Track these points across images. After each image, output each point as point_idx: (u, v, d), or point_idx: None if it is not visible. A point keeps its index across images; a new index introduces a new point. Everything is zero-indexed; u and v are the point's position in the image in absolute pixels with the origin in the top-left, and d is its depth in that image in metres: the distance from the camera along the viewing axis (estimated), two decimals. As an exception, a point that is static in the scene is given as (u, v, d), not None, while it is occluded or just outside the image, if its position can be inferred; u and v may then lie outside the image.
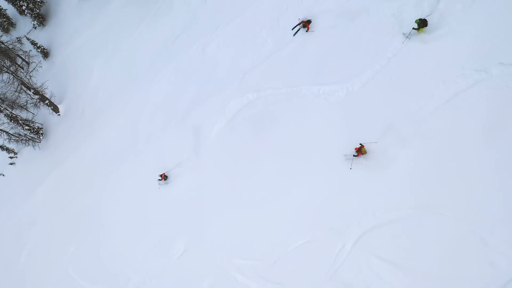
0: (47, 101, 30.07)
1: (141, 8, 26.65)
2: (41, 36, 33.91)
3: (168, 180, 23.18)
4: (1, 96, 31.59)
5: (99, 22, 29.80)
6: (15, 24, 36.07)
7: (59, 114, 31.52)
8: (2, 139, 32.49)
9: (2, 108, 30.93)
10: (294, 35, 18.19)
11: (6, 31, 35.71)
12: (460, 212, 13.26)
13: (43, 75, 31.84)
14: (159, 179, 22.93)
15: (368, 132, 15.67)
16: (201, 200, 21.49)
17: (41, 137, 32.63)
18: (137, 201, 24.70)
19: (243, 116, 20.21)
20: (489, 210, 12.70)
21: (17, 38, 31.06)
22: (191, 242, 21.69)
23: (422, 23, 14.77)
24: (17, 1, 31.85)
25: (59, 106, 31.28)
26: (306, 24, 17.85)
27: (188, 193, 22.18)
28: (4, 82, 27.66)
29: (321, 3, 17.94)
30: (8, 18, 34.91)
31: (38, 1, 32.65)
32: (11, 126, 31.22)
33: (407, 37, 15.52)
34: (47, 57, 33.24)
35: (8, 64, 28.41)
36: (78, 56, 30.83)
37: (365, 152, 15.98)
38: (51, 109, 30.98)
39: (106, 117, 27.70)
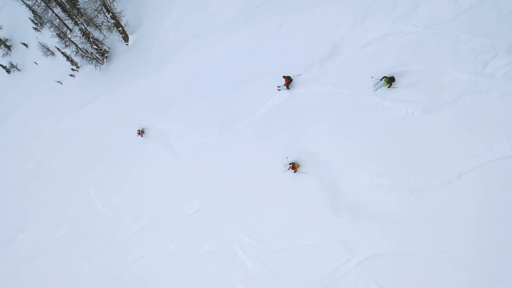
0: (120, 28, 32.16)
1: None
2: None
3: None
4: (81, 11, 34.30)
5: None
6: None
7: (127, 44, 33.69)
8: (70, 50, 35.45)
9: (78, 22, 33.68)
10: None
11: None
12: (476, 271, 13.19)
13: (125, 2, 33.84)
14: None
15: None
16: (228, 172, 22.60)
17: (104, 60, 35.22)
18: (171, 151, 26.24)
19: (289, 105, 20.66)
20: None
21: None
22: (206, 205, 23.07)
23: (390, 80, 16.89)
24: None
25: (130, 37, 33.38)
26: None
27: (217, 161, 23.42)
28: (90, -2, 29.81)
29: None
30: None
31: None
32: (81, 41, 33.92)
33: (376, 89, 17.86)
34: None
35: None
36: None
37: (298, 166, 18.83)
38: (122, 37, 33.14)
39: (169, 61, 29.23)
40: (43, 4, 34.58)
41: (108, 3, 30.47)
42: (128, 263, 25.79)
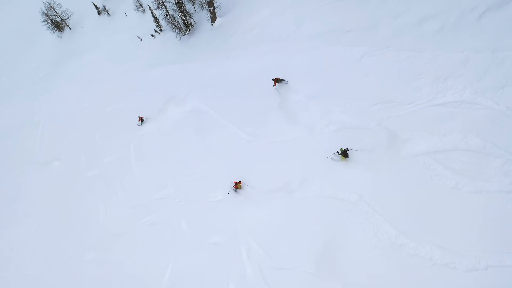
0: (212, 8, 34.29)
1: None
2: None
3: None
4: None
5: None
6: None
7: (212, 24, 35.83)
8: (160, 13, 38.29)
9: None
10: None
11: None
12: None
13: None
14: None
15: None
16: (262, 179, 23.67)
17: (187, 32, 37.69)
18: (215, 138, 28.02)
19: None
20: None
21: None
22: (229, 200, 24.02)
23: (343, 153, 19.59)
24: None
25: (218, 19, 35.49)
26: None
27: (256, 165, 24.60)
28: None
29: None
30: None
31: None
32: (173, 8, 36.56)
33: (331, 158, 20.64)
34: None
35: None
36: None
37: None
38: (210, 16, 35.28)
39: (245, 54, 30.80)
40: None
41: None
42: (139, 224, 27.58)
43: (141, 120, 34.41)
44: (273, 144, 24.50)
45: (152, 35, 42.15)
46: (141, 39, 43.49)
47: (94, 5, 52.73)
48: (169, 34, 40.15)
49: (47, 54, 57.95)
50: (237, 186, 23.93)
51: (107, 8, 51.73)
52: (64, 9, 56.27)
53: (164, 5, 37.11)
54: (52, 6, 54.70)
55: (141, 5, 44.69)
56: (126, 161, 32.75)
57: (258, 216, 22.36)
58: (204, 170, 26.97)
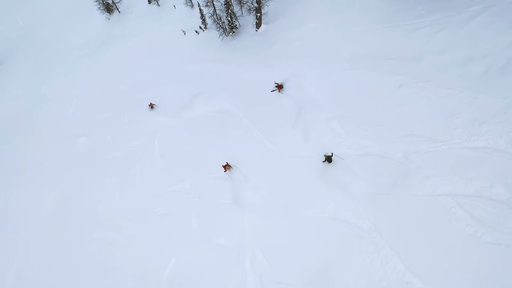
0: (259, 14, 35.08)
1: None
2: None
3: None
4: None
5: None
6: None
7: (256, 30, 36.69)
8: (207, 10, 39.50)
9: None
10: None
11: None
12: None
13: None
14: None
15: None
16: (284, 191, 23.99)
17: (230, 33, 38.62)
18: (244, 141, 28.63)
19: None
20: None
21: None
22: (240, 205, 24.82)
23: (327, 159, 21.93)
24: None
25: (263, 25, 36.30)
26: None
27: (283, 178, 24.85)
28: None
29: None
30: None
31: None
32: (221, 8, 37.69)
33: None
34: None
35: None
36: (310, 4, 34.46)
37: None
38: (256, 22, 36.10)
39: (283, 64, 31.22)
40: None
41: (260, -13, 33.47)
42: (151, 213, 28.49)
43: (152, 106, 37.21)
44: (294, 158, 24.79)
45: (196, 31, 43.44)
46: (184, 33, 44.88)
47: (147, -5, 54.97)
48: (212, 33, 41.31)
49: (94, 33, 60.65)
50: (226, 168, 26.47)
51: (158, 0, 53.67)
52: (118, -8, 58.88)
53: (213, 4, 38.28)
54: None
55: (191, 0, 46.16)
56: (149, 150, 33.84)
57: (269, 227, 22.74)
58: (217, 170, 27.51)
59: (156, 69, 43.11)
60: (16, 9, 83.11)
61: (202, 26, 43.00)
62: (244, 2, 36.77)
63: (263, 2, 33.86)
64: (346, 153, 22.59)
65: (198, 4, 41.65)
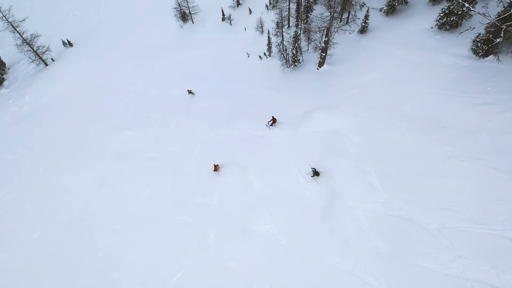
0: (324, 54, 36.18)
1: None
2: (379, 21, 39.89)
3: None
4: (308, 19, 39.79)
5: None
6: None
7: (318, 69, 37.89)
8: (275, 39, 41.31)
9: (299, 26, 39.35)
10: None
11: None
12: None
13: (342, 39, 38.27)
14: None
15: None
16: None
17: (291, 66, 39.91)
18: (279, 173, 29.33)
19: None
20: None
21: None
22: (261, 237, 25.37)
23: (315, 173, 26.26)
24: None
25: (325, 65, 37.32)
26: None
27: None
28: (322, 17, 34.18)
29: None
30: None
31: None
32: (288, 40, 39.13)
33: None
34: (363, 32, 39.02)
35: (338, 10, 34.81)
36: (375, 56, 35.19)
37: None
38: (319, 61, 37.25)
39: (339, 106, 31.61)
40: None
41: (333, 30, 34.49)
42: (173, 220, 29.86)
43: (190, 92, 44.14)
44: (328, 208, 24.97)
45: (260, 56, 45.28)
46: (248, 56, 46.90)
47: (222, 11, 58.16)
48: (274, 61, 42.89)
49: (164, 37, 64.81)
50: (216, 168, 31.23)
51: (231, 18, 56.58)
52: (196, 5, 62.80)
53: (282, 35, 39.99)
54: (187, -2, 61.46)
55: (262, 26, 48.45)
56: (187, 158, 35.41)
57: (284, 263, 23.04)
58: (252, 197, 28.28)
59: (214, 82, 45.18)
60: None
61: (267, 53, 44.78)
62: (313, 40, 38.10)
63: (331, 43, 34.92)
64: (379, 211, 22.50)
65: (268, 31, 43.62)
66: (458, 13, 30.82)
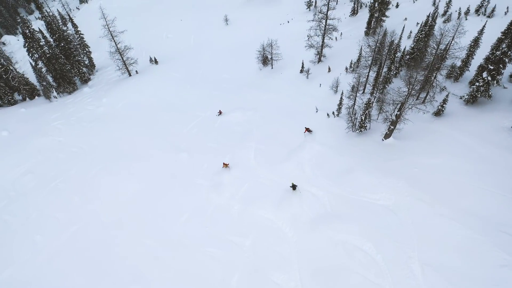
0: (392, 127, 36.44)
1: None
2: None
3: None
4: (384, 92, 40.85)
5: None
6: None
7: (383, 140, 38.31)
8: (348, 101, 42.82)
9: (374, 93, 40.70)
10: None
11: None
12: None
13: (414, 117, 38.76)
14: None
15: None
16: None
17: (357, 131, 40.50)
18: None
19: None
20: None
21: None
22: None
23: (293, 186, 33.08)
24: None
25: (391, 138, 37.55)
26: None
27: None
28: (399, 91, 34.80)
29: None
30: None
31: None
32: (359, 105, 40.15)
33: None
34: (438, 115, 39.12)
35: (416, 88, 35.29)
36: (445, 141, 34.76)
37: None
38: (386, 133, 37.64)
39: (395, 183, 31.40)
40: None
41: (406, 107, 34.78)
42: (203, 250, 30.72)
43: (220, 112, 50.62)
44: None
45: (328, 114, 46.39)
46: (317, 111, 48.25)
47: (302, 64, 61.52)
48: (341, 122, 43.68)
49: (241, 74, 69.23)
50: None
51: (309, 72, 59.29)
52: (279, 52, 66.77)
53: (355, 99, 40.95)
54: (272, 44, 65.03)
55: (337, 86, 49.99)
56: (233, 193, 36.75)
57: None
58: (286, 248, 28.44)
59: (277, 128, 46.90)
60: (200, 31, 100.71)
61: (335, 113, 45.82)
62: (384, 111, 38.54)
63: (402, 118, 35.11)
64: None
65: (342, 92, 44.99)
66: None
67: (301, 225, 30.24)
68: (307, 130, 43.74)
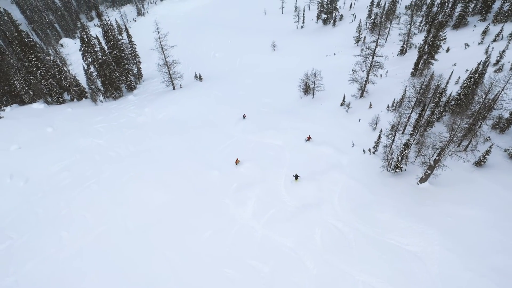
0: (429, 172, 35.90)
1: None
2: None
3: None
4: (426, 137, 40.39)
5: None
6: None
7: (418, 183, 37.65)
8: (385, 140, 42.53)
9: (414, 135, 40.23)
10: None
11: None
12: None
13: (456, 164, 37.87)
14: None
15: None
16: None
17: (392, 170, 40.18)
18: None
19: None
20: None
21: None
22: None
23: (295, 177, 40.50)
24: None
25: (426, 183, 37.01)
26: None
27: None
28: (440, 137, 34.42)
29: None
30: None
31: None
32: (397, 145, 39.81)
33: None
34: (479, 165, 38.18)
35: (459, 135, 34.82)
36: (483, 192, 33.87)
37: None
38: (422, 176, 36.94)
39: (426, 230, 30.72)
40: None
41: (446, 153, 34.27)
42: (221, 270, 30.97)
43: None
44: None
45: (364, 150, 46.21)
46: (352, 145, 48.17)
47: (344, 97, 61.83)
48: (376, 160, 43.38)
49: (282, 102, 70.48)
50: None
51: (350, 105, 59.48)
52: (322, 83, 67.99)
53: (394, 138, 40.69)
54: (316, 75, 66.10)
55: (376, 124, 49.90)
56: (257, 217, 37.18)
57: None
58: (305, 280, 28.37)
59: (310, 158, 46.99)
60: (246, 54, 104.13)
61: (372, 150, 45.57)
62: (423, 154, 38.02)
63: (440, 164, 34.53)
64: None
65: (381, 130, 44.92)
66: None
67: (323, 258, 30.06)
68: (309, 138, 51.64)
